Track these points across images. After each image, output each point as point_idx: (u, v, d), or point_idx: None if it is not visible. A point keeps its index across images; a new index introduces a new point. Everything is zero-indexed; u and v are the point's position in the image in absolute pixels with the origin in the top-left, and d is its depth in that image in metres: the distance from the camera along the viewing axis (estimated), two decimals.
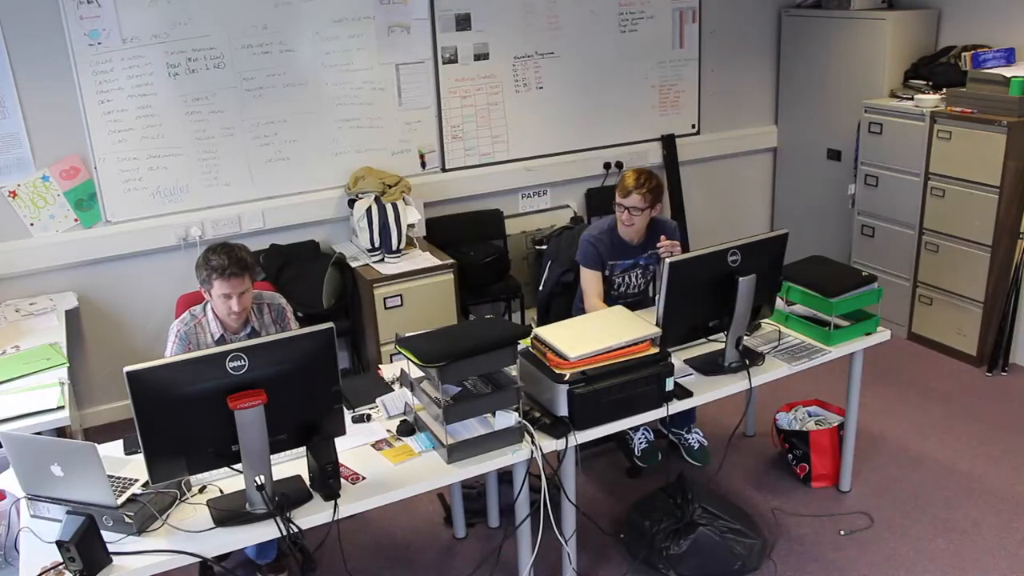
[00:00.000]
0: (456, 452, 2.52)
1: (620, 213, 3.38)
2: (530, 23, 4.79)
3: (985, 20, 4.74)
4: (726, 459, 3.61)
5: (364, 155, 4.52)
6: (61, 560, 2.07)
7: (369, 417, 2.80)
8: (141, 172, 4.11)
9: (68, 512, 2.11)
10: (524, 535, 2.75)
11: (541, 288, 3.79)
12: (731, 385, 2.94)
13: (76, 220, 4.06)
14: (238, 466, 2.27)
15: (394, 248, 4.26)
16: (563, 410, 2.65)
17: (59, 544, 2.03)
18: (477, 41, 4.68)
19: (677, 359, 2.96)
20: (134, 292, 4.21)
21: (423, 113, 4.59)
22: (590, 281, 3.43)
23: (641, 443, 3.60)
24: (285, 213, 4.40)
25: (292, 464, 2.49)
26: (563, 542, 2.81)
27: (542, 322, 3.64)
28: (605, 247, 3.43)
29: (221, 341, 2.89)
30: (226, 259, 2.78)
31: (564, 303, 3.69)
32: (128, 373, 2.10)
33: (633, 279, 3.50)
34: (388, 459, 2.56)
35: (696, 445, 3.62)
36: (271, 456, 2.28)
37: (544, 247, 4.42)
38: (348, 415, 2.72)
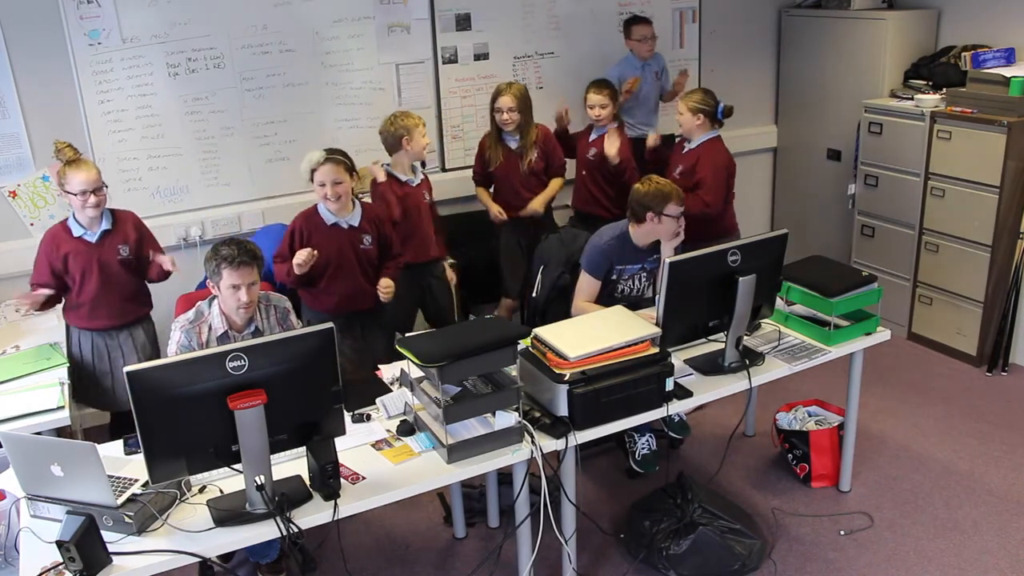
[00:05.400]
0: (456, 452, 2.52)
1: (674, 223, 3.30)
2: (530, 23, 4.79)
3: (985, 20, 4.74)
4: (726, 459, 3.61)
5: (364, 155, 4.51)
6: (61, 560, 2.07)
7: (369, 417, 2.80)
8: (141, 172, 4.11)
9: (68, 512, 2.11)
10: (524, 535, 2.75)
11: (535, 295, 3.77)
12: (731, 385, 2.94)
13: None
14: (238, 466, 2.27)
15: None
16: (563, 410, 2.65)
17: (59, 544, 2.04)
18: (477, 41, 4.68)
19: (677, 359, 2.96)
20: None
21: (423, 113, 4.55)
22: (586, 287, 3.43)
23: (643, 448, 3.59)
24: (285, 213, 4.37)
25: (292, 464, 2.49)
26: (563, 542, 2.81)
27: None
28: (617, 254, 3.42)
29: (224, 338, 2.90)
30: (236, 249, 2.81)
31: (561, 308, 3.65)
32: (128, 373, 2.10)
33: (637, 282, 3.50)
34: (388, 459, 2.57)
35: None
36: (271, 456, 2.28)
37: None
38: (347, 415, 2.72)
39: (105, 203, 3.30)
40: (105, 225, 3.32)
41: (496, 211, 4.30)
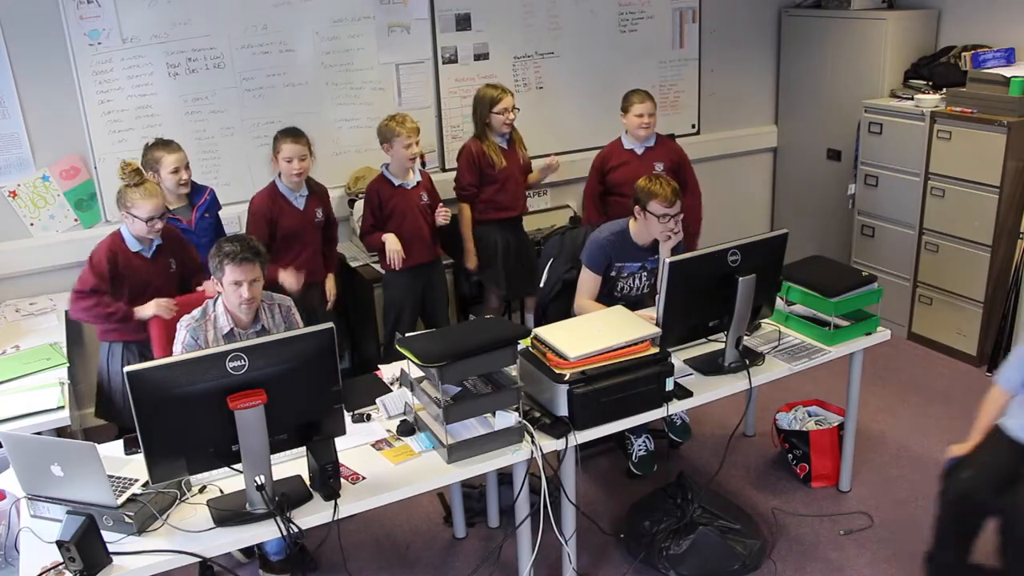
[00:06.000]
0: (456, 452, 2.52)
1: (666, 222, 3.27)
2: (530, 23, 4.79)
3: (985, 20, 4.74)
4: (726, 459, 3.61)
5: (364, 155, 4.52)
6: (61, 560, 2.07)
7: (369, 417, 2.80)
8: None
9: (68, 512, 2.11)
10: (524, 535, 2.75)
11: (542, 286, 3.77)
12: (731, 385, 2.94)
13: (76, 220, 4.07)
14: (238, 466, 2.27)
15: None
16: (563, 410, 2.65)
17: (59, 544, 2.04)
18: (477, 41, 4.68)
19: (677, 359, 2.96)
20: None
21: (423, 113, 4.58)
22: (587, 282, 3.43)
23: (640, 450, 3.59)
24: None
25: (292, 464, 2.49)
26: (563, 542, 2.81)
27: (539, 323, 3.63)
28: (617, 250, 3.42)
29: (230, 335, 2.90)
30: (238, 246, 2.82)
31: (564, 304, 3.67)
32: (128, 373, 2.10)
33: (637, 282, 3.50)
34: (388, 459, 2.57)
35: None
36: (271, 456, 2.28)
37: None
38: (348, 415, 2.72)
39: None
40: (157, 240, 3.32)
41: (474, 263, 4.20)
